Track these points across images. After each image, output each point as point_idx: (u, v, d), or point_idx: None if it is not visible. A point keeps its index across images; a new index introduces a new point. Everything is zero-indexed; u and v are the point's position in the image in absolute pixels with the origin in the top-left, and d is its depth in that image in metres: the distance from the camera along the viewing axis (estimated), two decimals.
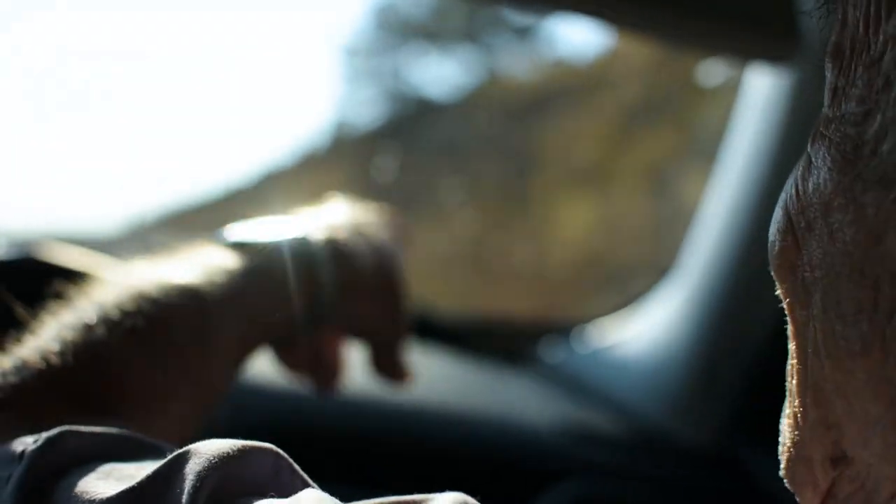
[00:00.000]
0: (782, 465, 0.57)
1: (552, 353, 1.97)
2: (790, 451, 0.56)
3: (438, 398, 1.69)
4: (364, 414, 1.64)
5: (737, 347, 1.70)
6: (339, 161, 3.33)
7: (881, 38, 0.49)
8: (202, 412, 0.78)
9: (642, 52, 3.44)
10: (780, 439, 0.58)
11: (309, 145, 3.17)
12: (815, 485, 0.54)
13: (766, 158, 1.62)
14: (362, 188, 3.23)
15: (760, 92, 1.63)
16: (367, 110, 3.38)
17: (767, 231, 1.48)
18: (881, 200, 0.47)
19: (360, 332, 0.96)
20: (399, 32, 3.41)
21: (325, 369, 0.95)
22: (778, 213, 0.54)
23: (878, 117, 0.48)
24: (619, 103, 3.45)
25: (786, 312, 0.55)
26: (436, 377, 1.79)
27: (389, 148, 3.20)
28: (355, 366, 1.66)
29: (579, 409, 1.80)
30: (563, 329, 2.00)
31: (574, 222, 3.38)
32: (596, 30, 3.49)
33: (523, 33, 3.51)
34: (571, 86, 3.50)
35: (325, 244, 0.87)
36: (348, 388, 1.62)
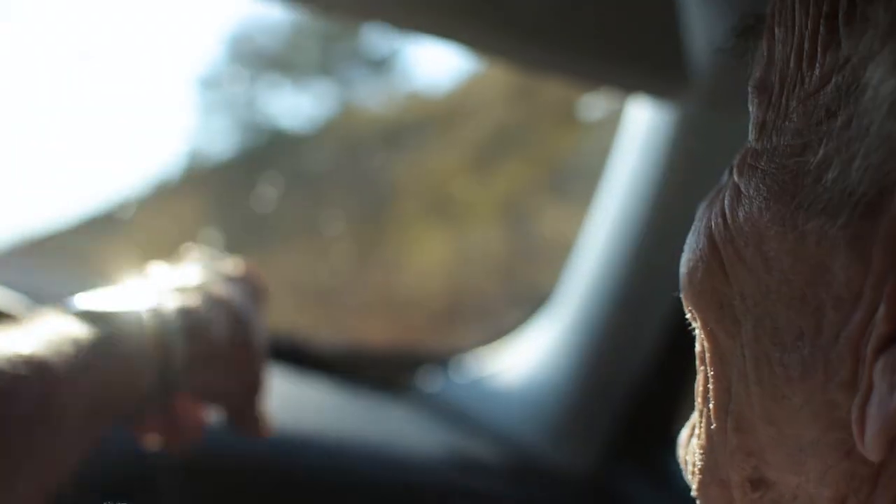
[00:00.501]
0: (694, 486, 0.59)
1: (430, 382, 1.98)
2: (704, 474, 0.58)
3: (316, 427, 1.69)
4: (242, 444, 1.63)
5: (613, 375, 1.74)
6: (194, 192, 3.29)
7: (817, 72, 0.52)
8: (49, 489, 0.76)
9: (499, 84, 3.48)
10: (689, 459, 0.60)
11: (163, 176, 3.13)
12: None
13: (646, 191, 1.66)
14: (216, 218, 3.22)
15: (641, 125, 1.68)
16: (221, 141, 3.35)
17: (647, 262, 1.53)
18: (826, 228, 0.49)
19: (214, 399, 0.94)
20: (254, 64, 3.39)
21: (179, 434, 0.93)
22: (700, 242, 0.56)
23: (821, 148, 0.50)
24: (476, 135, 3.49)
25: (704, 340, 0.57)
26: (312, 406, 1.79)
27: (245, 179, 3.18)
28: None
29: (458, 437, 1.82)
30: (440, 358, 2.01)
31: (431, 255, 3.40)
32: (468, 58, 3.53)
33: (378, 66, 3.53)
34: (427, 118, 3.53)
35: (177, 313, 0.86)
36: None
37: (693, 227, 0.58)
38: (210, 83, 3.35)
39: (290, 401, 1.79)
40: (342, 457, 1.68)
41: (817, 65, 0.52)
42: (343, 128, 3.42)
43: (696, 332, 0.58)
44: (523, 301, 3.13)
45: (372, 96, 3.55)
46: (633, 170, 1.69)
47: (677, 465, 1.71)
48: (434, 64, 3.51)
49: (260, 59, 3.40)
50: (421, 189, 3.46)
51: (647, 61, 1.52)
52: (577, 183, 3.25)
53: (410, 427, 1.85)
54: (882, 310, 0.47)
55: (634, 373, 1.73)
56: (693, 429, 0.61)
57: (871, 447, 0.47)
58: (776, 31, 0.56)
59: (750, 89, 0.57)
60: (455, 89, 3.55)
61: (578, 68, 1.55)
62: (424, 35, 1.52)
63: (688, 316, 0.59)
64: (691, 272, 0.57)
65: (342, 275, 3.23)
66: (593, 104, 2.76)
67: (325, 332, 2.15)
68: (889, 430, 0.46)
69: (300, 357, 1.93)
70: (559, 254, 2.99)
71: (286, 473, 1.62)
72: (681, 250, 1.66)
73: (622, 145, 1.72)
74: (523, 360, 1.89)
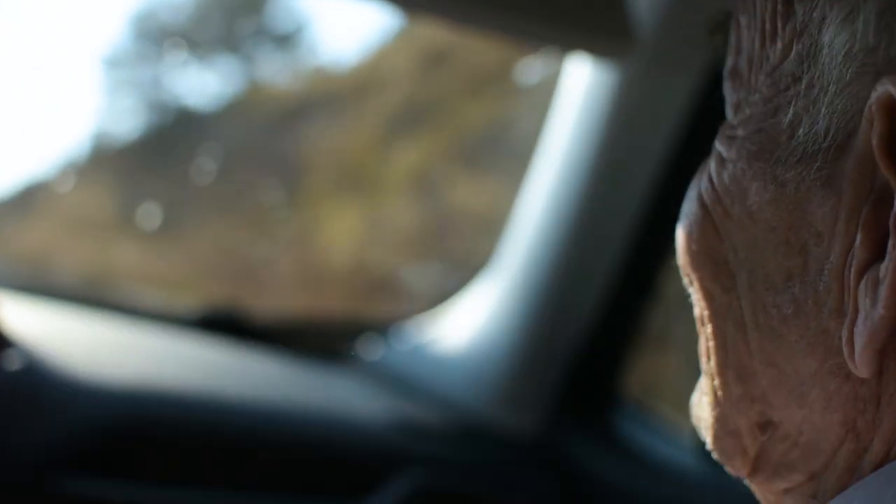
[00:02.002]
0: (709, 441, 0.64)
1: (370, 350, 1.99)
2: (715, 427, 0.63)
3: (258, 397, 1.69)
4: (191, 414, 1.62)
5: (555, 338, 1.76)
6: (102, 173, 3.25)
7: (779, 45, 0.58)
8: None
9: (408, 55, 3.49)
10: (701, 416, 0.65)
11: (69, 157, 3.08)
12: (743, 453, 0.61)
13: (585, 152, 1.69)
14: (127, 198, 3.18)
15: (579, 87, 1.70)
16: (128, 121, 3.30)
17: (587, 225, 1.57)
18: (803, 175, 0.55)
19: None
20: (158, 42, 3.34)
21: None
22: (693, 207, 0.62)
23: (791, 109, 0.56)
24: (386, 108, 3.49)
25: (701, 300, 0.62)
26: (254, 377, 1.79)
27: (153, 159, 3.14)
28: (186, 366, 1.65)
29: (402, 404, 1.83)
30: (379, 327, 2.02)
31: (346, 228, 3.40)
32: (394, 22, 3.53)
33: (284, 41, 3.50)
34: (336, 92, 3.52)
35: None
36: (174, 388, 1.62)
37: (686, 198, 0.64)
38: (114, 62, 3.30)
39: (232, 372, 1.79)
40: (287, 426, 1.68)
41: (778, 39, 0.58)
42: (251, 104, 3.39)
43: (693, 296, 0.63)
44: (443, 270, 3.14)
45: (279, 72, 3.52)
46: (572, 132, 1.71)
47: (622, 423, 1.75)
48: (340, 38, 3.49)
49: (164, 36, 3.35)
50: (333, 163, 3.45)
51: (589, 20, 1.54)
52: (491, 153, 3.27)
53: (354, 395, 1.85)
54: (859, 238, 0.52)
55: (577, 334, 1.76)
56: (702, 391, 0.65)
57: (862, 362, 0.51)
58: (741, 19, 0.62)
59: (725, 75, 0.63)
60: (363, 62, 3.54)
61: (518, 26, 1.57)
62: None
63: (685, 282, 0.64)
64: (688, 236, 0.62)
65: (263, 249, 3.21)
66: (507, 73, 2.77)
67: (256, 304, 2.13)
68: (875, 342, 0.51)
69: (240, 329, 1.93)
70: (474, 223, 3.01)
71: (230, 443, 1.62)
72: (622, 210, 1.70)
73: (561, 107, 1.73)
74: (464, 325, 1.91)
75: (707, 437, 0.64)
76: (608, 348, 1.80)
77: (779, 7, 0.58)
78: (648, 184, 1.66)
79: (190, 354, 1.81)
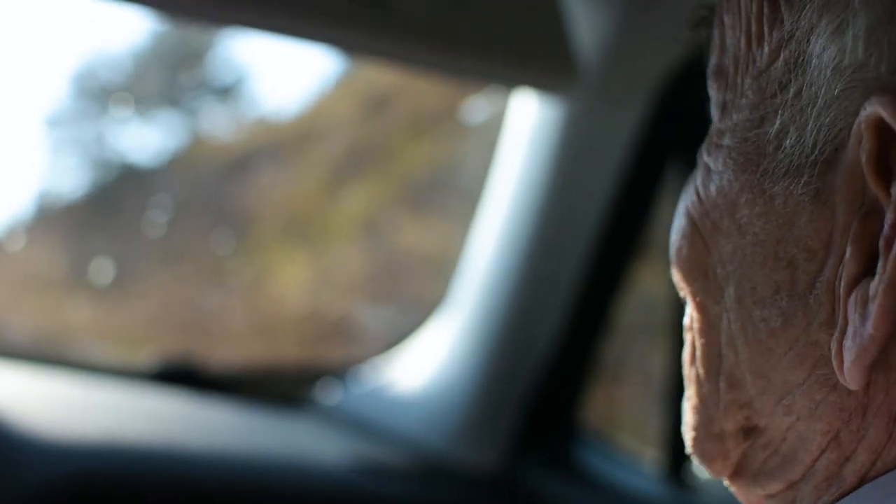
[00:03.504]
0: (689, 444, 0.64)
1: (328, 394, 1.98)
2: (698, 430, 0.63)
3: (217, 447, 1.69)
4: (150, 467, 1.62)
5: (512, 373, 1.77)
6: (48, 231, 3.23)
7: (766, 50, 0.57)
8: None
9: (349, 102, 3.50)
10: (684, 420, 0.65)
11: (16, 217, 3.07)
12: (725, 456, 0.62)
13: (533, 190, 1.70)
14: (73, 256, 3.17)
15: (525, 123, 1.71)
16: (72, 178, 3.29)
17: (538, 260, 1.59)
18: (791, 189, 0.55)
19: None
20: (100, 100, 3.34)
21: None
22: (681, 222, 0.62)
23: (777, 119, 0.56)
24: (330, 155, 3.50)
25: (695, 312, 0.62)
26: (213, 427, 1.78)
27: (99, 216, 3.13)
28: (144, 420, 1.64)
29: (362, 446, 1.83)
30: (335, 371, 2.02)
31: (294, 276, 3.40)
32: (341, 59, 3.54)
33: (225, 94, 3.51)
34: (278, 142, 3.52)
35: None
36: (132, 443, 1.61)
37: (676, 213, 0.64)
38: (57, 122, 3.29)
39: (190, 424, 1.78)
40: (247, 475, 1.68)
41: (765, 43, 0.57)
42: (195, 157, 3.39)
43: (686, 306, 0.64)
44: (394, 312, 3.14)
45: (222, 124, 3.52)
46: (519, 168, 1.73)
47: (582, 454, 1.77)
48: (282, 87, 3.50)
49: (105, 93, 3.35)
50: (280, 212, 3.45)
51: (531, 56, 1.56)
52: (438, 193, 3.28)
53: (314, 440, 1.85)
54: (849, 251, 0.52)
55: (533, 369, 1.77)
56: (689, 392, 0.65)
57: (850, 376, 0.52)
58: (725, 18, 0.61)
59: (709, 74, 0.62)
60: (305, 110, 3.55)
61: (463, 65, 1.58)
62: (300, 40, 1.53)
63: (680, 293, 0.64)
64: (678, 251, 0.62)
65: (214, 300, 3.20)
66: (451, 113, 2.78)
67: (210, 355, 2.13)
68: (864, 357, 0.51)
69: (196, 380, 1.92)
70: (424, 264, 3.01)
71: (191, 495, 1.61)
72: (574, 243, 1.72)
73: (507, 144, 1.75)
74: (420, 366, 1.91)
75: (688, 439, 0.64)
76: (565, 381, 1.81)
77: (765, 10, 0.57)
78: (598, 216, 1.68)
79: (147, 408, 1.81)
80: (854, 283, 0.52)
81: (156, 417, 1.77)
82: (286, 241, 3.47)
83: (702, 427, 0.63)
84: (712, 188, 0.59)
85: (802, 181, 0.54)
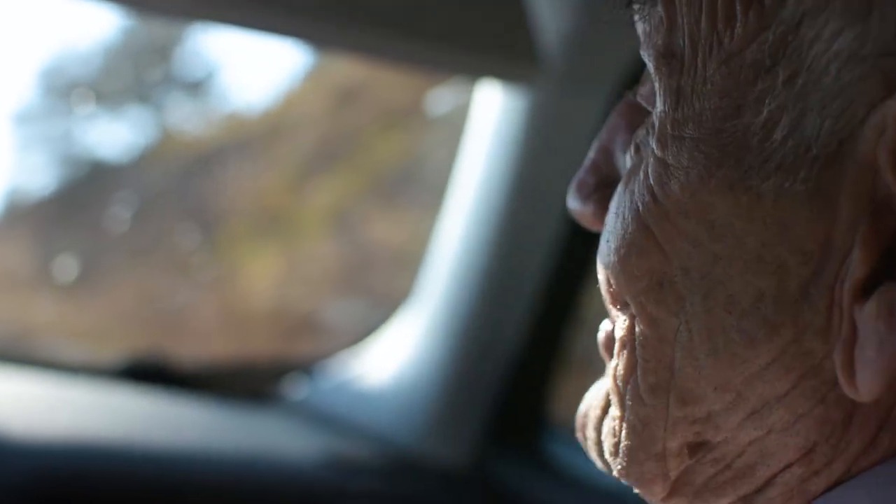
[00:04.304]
0: (621, 468, 0.58)
1: (297, 389, 1.98)
2: (635, 452, 0.57)
3: (187, 444, 1.68)
4: (119, 465, 1.61)
5: (482, 366, 1.77)
6: (18, 229, 3.22)
7: (738, 31, 0.51)
8: None
9: (319, 96, 3.49)
10: (605, 440, 0.60)
11: None
12: (665, 477, 0.56)
13: (500, 179, 1.69)
14: (42, 253, 3.16)
15: (491, 114, 1.71)
16: (41, 176, 3.28)
17: (505, 252, 1.58)
18: (786, 185, 0.50)
19: None
20: (68, 96, 3.33)
21: None
22: (627, 227, 0.55)
23: (764, 107, 0.50)
24: (300, 149, 3.49)
25: (642, 326, 0.55)
26: (181, 424, 1.78)
27: (69, 212, 3.12)
28: (113, 417, 1.63)
29: (332, 441, 1.83)
30: (304, 366, 2.01)
31: (267, 270, 3.39)
32: (308, 51, 3.53)
33: (194, 88, 3.50)
34: (249, 136, 3.52)
35: None
36: (101, 441, 1.60)
37: (610, 216, 0.57)
38: (25, 119, 3.27)
39: (158, 421, 1.78)
40: (216, 471, 1.67)
41: (738, 24, 0.51)
42: (165, 152, 3.38)
43: (620, 319, 0.57)
44: (366, 306, 3.14)
45: (191, 119, 3.51)
46: (485, 159, 1.72)
47: (552, 446, 1.76)
48: (251, 82, 3.49)
49: (74, 90, 3.34)
50: (250, 206, 3.45)
51: (498, 46, 1.56)
52: (408, 186, 3.28)
53: (282, 435, 1.85)
54: (857, 254, 0.48)
55: (502, 361, 1.76)
56: (603, 410, 0.60)
57: (868, 389, 0.48)
58: None
59: (651, 56, 0.56)
60: (274, 105, 3.55)
61: (427, 56, 1.58)
62: (265, 33, 1.53)
63: (613, 308, 0.58)
64: (623, 259, 0.55)
65: (184, 296, 3.19)
66: (419, 105, 2.78)
67: (178, 351, 2.12)
68: (892, 369, 0.47)
69: (165, 377, 1.91)
70: (395, 257, 3.01)
71: (159, 493, 1.61)
72: (541, 234, 1.71)
73: (472, 136, 1.74)
74: (389, 359, 1.90)
75: (616, 461, 0.58)
76: (534, 373, 1.81)
77: None
78: (564, 206, 1.67)
79: (115, 405, 1.80)
80: (861, 287, 0.48)
81: (124, 415, 1.76)
82: (256, 236, 3.46)
83: (640, 449, 0.57)
84: (674, 186, 0.53)
85: (799, 178, 0.49)
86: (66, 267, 2.97)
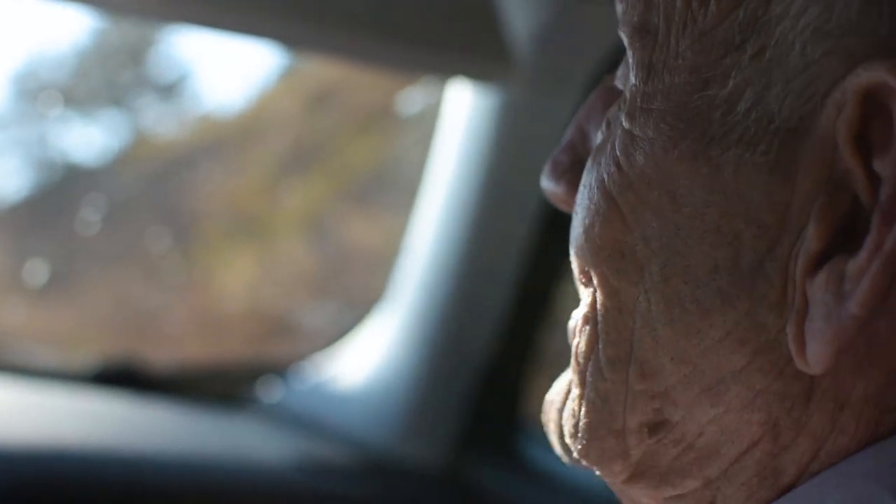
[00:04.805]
0: (580, 447, 0.58)
1: (270, 392, 1.97)
2: (594, 429, 0.57)
3: (159, 448, 1.67)
4: (91, 471, 1.60)
5: (455, 367, 1.76)
6: None
7: (712, 9, 0.52)
8: None
9: (292, 97, 3.49)
10: (565, 421, 0.59)
11: None
12: (625, 456, 0.56)
13: (471, 181, 1.69)
14: (16, 257, 3.15)
15: (462, 113, 1.70)
16: (15, 180, 3.27)
17: (478, 252, 1.57)
18: (744, 157, 0.50)
19: None
20: (41, 100, 3.31)
21: None
22: (593, 196, 0.55)
23: (730, 81, 0.51)
24: (274, 151, 3.49)
25: (602, 296, 0.55)
26: (154, 428, 1.77)
27: (44, 217, 3.11)
28: (85, 422, 1.62)
29: (306, 443, 1.82)
30: (277, 368, 2.00)
31: (241, 273, 3.39)
32: (280, 52, 3.53)
33: (167, 91, 3.49)
34: (222, 139, 3.51)
35: None
36: (72, 446, 1.59)
37: (581, 189, 0.57)
38: None
39: (131, 426, 1.76)
40: (190, 475, 1.67)
41: (712, 2, 0.52)
42: (138, 155, 3.37)
43: (584, 297, 0.58)
44: (340, 308, 3.13)
45: (164, 121, 3.50)
46: (457, 159, 1.72)
47: (528, 446, 1.75)
48: (224, 84, 3.48)
49: (47, 93, 3.32)
50: (224, 209, 3.44)
51: (468, 46, 1.55)
52: (381, 188, 3.27)
53: (256, 439, 1.84)
54: (811, 228, 0.48)
55: (476, 362, 1.76)
56: (565, 395, 0.60)
57: (816, 360, 0.48)
58: None
59: (628, 32, 0.56)
60: (248, 107, 3.54)
61: (398, 55, 1.58)
62: (235, 33, 1.52)
63: (577, 279, 0.58)
64: (588, 229, 0.56)
65: (159, 299, 3.18)
66: (393, 107, 2.78)
67: (153, 355, 2.11)
68: (839, 339, 0.47)
69: (138, 381, 1.90)
70: (371, 259, 3.00)
71: (132, 497, 1.59)
72: (513, 234, 1.70)
73: (444, 135, 1.74)
74: (363, 361, 1.90)
75: (576, 441, 0.58)
76: (508, 373, 1.80)
77: None
78: (536, 205, 1.67)
79: (87, 410, 1.79)
80: (815, 261, 0.49)
81: (96, 420, 1.75)
82: (231, 239, 3.46)
83: (600, 426, 0.56)
84: (639, 157, 0.54)
85: (759, 150, 0.50)
86: (39, 271, 2.95)
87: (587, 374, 0.56)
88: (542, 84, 1.62)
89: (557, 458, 1.82)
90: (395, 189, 3.05)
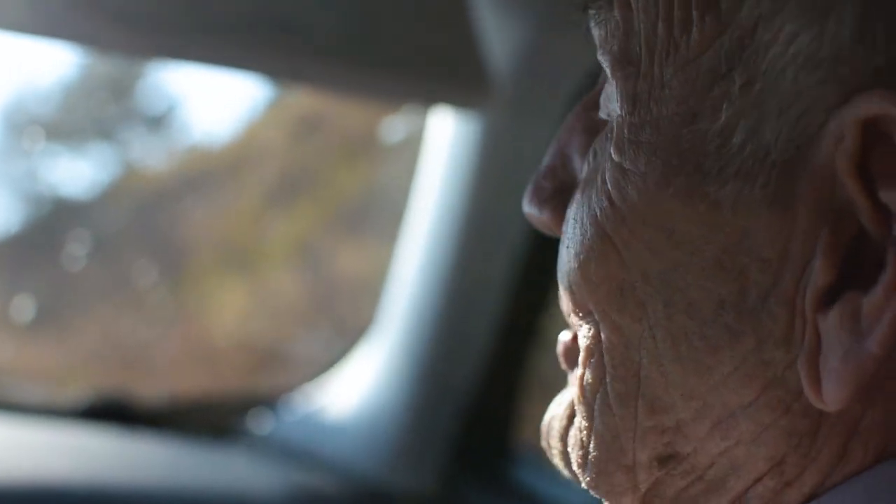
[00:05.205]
0: (590, 480, 0.57)
1: (260, 424, 1.96)
2: (604, 463, 0.55)
3: (149, 484, 1.67)
4: None
5: (444, 394, 1.76)
6: None
7: (695, 37, 0.50)
8: None
9: (279, 127, 3.49)
10: (571, 451, 0.58)
11: None
12: (635, 489, 0.55)
13: (456, 207, 1.69)
14: (6, 293, 3.14)
15: (444, 140, 1.70)
16: (4, 215, 3.27)
17: (465, 277, 1.57)
18: (744, 192, 0.49)
19: None
20: (29, 134, 3.32)
21: None
22: (586, 232, 0.54)
23: (722, 113, 0.49)
24: (263, 181, 3.49)
25: (607, 332, 0.54)
26: (144, 463, 1.76)
27: (34, 251, 3.11)
28: (75, 458, 1.62)
29: (297, 474, 1.81)
30: (267, 400, 2.00)
31: (232, 304, 3.38)
32: (264, 91, 3.54)
33: (156, 123, 3.49)
34: (211, 170, 3.51)
35: None
36: (61, 482, 1.59)
37: (569, 223, 0.56)
38: None
39: (121, 461, 1.76)
40: None
41: (694, 29, 0.50)
42: (127, 188, 3.37)
43: (585, 328, 0.56)
44: (332, 337, 3.13)
45: (153, 154, 3.51)
46: (441, 186, 1.72)
47: (519, 471, 1.74)
48: (212, 115, 3.49)
49: (35, 128, 3.33)
50: (214, 240, 3.44)
51: (448, 72, 1.55)
52: (371, 215, 3.27)
53: (247, 471, 1.83)
54: (818, 262, 0.47)
55: (465, 388, 1.76)
56: (568, 420, 0.59)
57: (834, 399, 0.47)
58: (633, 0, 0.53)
59: (609, 61, 0.55)
60: (236, 137, 3.55)
61: (379, 85, 1.58)
62: (219, 66, 1.53)
63: (575, 317, 0.57)
64: (583, 265, 0.55)
65: (149, 332, 3.18)
66: (380, 135, 2.78)
67: (143, 388, 2.11)
68: (859, 378, 0.46)
69: (127, 416, 1.90)
70: (361, 287, 3.00)
71: None
72: (499, 258, 1.69)
73: (427, 162, 1.74)
74: (353, 390, 1.89)
75: (585, 473, 0.57)
76: (498, 398, 1.80)
77: None
78: (521, 230, 1.67)
79: (77, 446, 1.78)
80: (824, 296, 0.47)
81: (86, 456, 1.75)
82: (222, 270, 3.46)
83: (610, 461, 0.55)
84: (632, 191, 0.52)
85: (757, 184, 0.48)
86: (28, 306, 2.95)
87: (595, 408, 0.56)
88: (523, 109, 1.62)
89: (547, 483, 1.82)
90: (383, 216, 3.05)
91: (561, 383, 0.63)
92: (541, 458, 1.84)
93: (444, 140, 1.72)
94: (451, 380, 1.77)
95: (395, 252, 1.85)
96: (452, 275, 1.73)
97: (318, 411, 1.94)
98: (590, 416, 0.56)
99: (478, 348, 1.75)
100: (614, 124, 0.54)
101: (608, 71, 0.55)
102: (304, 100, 3.28)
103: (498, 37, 1.56)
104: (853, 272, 0.47)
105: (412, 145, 1.90)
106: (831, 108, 0.47)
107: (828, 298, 0.47)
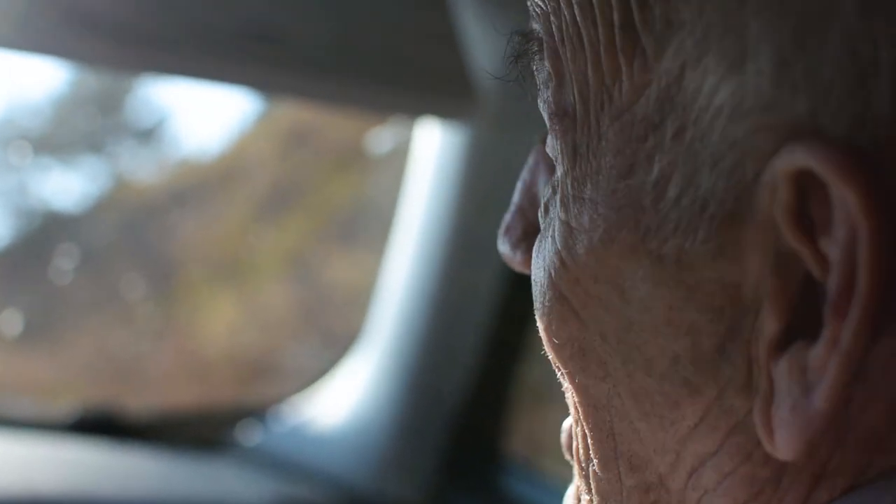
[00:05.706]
0: None
1: (249, 435, 1.97)
2: None
3: (138, 497, 1.67)
4: None
5: (433, 403, 1.77)
6: None
7: (625, 86, 0.49)
8: None
9: (269, 139, 3.49)
10: None
11: None
12: None
13: (443, 218, 1.70)
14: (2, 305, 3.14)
15: (432, 152, 1.71)
16: None
17: (453, 287, 1.58)
18: (685, 248, 0.47)
19: None
20: (19, 148, 3.32)
21: None
22: (545, 293, 0.54)
23: (654, 165, 0.48)
24: (253, 193, 3.49)
25: (574, 393, 0.54)
26: (133, 476, 1.77)
27: (25, 265, 3.11)
28: (65, 471, 1.62)
29: (288, 485, 1.82)
30: (256, 411, 2.00)
31: (224, 316, 3.38)
32: (252, 105, 3.54)
33: (146, 136, 3.49)
34: (202, 182, 3.51)
35: None
36: (50, 496, 1.59)
37: (533, 282, 0.56)
38: None
39: (110, 474, 1.76)
40: None
41: (624, 78, 0.49)
42: (118, 201, 3.37)
43: (565, 387, 0.56)
44: (323, 348, 3.13)
45: (144, 166, 3.51)
46: (429, 197, 1.72)
47: (509, 481, 1.76)
48: (202, 127, 3.48)
49: (25, 142, 3.33)
50: (205, 253, 3.43)
51: (435, 85, 1.56)
52: (362, 226, 3.28)
53: (236, 483, 1.84)
54: (766, 311, 0.46)
55: (454, 398, 1.76)
56: (578, 492, 0.58)
57: (786, 449, 0.46)
58: (561, 49, 0.52)
59: (546, 113, 0.54)
60: (227, 150, 3.54)
61: (367, 97, 1.59)
62: (209, 80, 1.53)
63: (558, 373, 0.57)
64: (546, 328, 0.54)
65: (140, 345, 3.18)
66: (369, 146, 2.79)
67: (134, 402, 2.11)
68: (808, 430, 0.45)
69: (117, 429, 1.90)
70: (352, 298, 3.00)
71: None
72: (487, 268, 1.72)
73: (414, 174, 1.75)
74: (341, 402, 1.90)
75: None
76: (486, 409, 1.81)
77: (618, 42, 0.49)
78: None
79: (67, 459, 1.79)
80: (776, 345, 0.46)
81: (75, 469, 1.75)
82: (212, 282, 3.45)
83: None
84: (580, 249, 0.51)
85: (699, 238, 0.47)
86: (18, 320, 2.95)
87: (589, 476, 0.55)
88: (509, 122, 1.63)
89: (539, 492, 1.83)
90: (372, 228, 3.05)
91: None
92: (529, 467, 1.85)
93: (431, 152, 1.73)
94: (440, 390, 1.78)
95: (384, 263, 1.86)
96: (441, 286, 1.74)
97: (308, 422, 1.95)
98: (588, 489, 0.56)
99: (466, 359, 1.76)
100: (558, 179, 0.53)
101: (547, 124, 0.54)
102: (294, 113, 3.28)
103: (484, 49, 1.57)
104: (810, 316, 0.45)
105: (400, 157, 1.90)
106: (766, 157, 0.45)
107: (783, 344, 0.46)
